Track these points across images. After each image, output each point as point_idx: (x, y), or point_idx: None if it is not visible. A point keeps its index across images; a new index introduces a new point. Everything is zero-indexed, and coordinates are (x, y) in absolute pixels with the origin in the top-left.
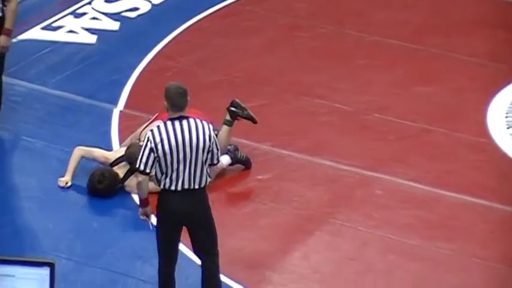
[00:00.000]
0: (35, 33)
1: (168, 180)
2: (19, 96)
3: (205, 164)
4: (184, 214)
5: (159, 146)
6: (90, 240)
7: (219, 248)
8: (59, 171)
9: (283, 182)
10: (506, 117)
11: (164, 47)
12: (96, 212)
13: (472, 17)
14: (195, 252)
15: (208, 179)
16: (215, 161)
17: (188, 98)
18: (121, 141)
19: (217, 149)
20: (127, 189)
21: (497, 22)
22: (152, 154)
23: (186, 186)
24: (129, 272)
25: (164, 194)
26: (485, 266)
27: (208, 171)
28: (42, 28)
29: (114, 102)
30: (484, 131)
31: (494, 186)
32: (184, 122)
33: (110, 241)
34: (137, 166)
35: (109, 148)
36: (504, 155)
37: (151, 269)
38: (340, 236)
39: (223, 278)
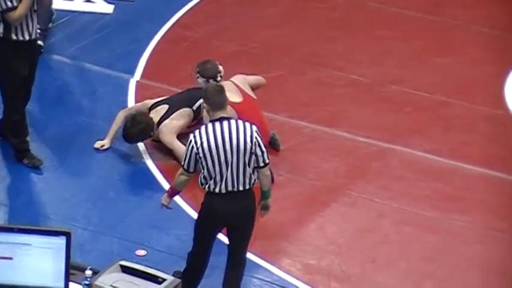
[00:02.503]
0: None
1: (212, 182)
2: None
3: (249, 165)
4: (226, 216)
5: (200, 149)
6: (107, 210)
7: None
8: (75, 140)
9: (300, 153)
10: None
11: (181, 17)
12: (112, 182)
13: None
14: (228, 248)
15: (254, 180)
16: (261, 164)
17: (226, 96)
18: None
19: (262, 151)
20: (160, 136)
21: None
22: (196, 156)
23: (230, 189)
24: (144, 241)
25: (208, 196)
26: (501, 237)
27: (257, 174)
28: None
29: (131, 72)
30: (501, 103)
31: (511, 158)
32: (225, 124)
33: (126, 211)
34: (182, 164)
35: None
36: None
37: (166, 239)
38: (356, 208)
39: None
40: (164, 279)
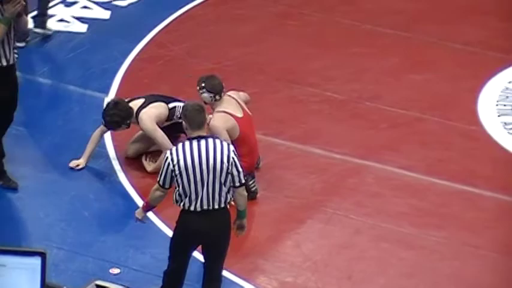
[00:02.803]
0: None
1: (187, 200)
2: None
3: (224, 185)
4: (201, 234)
5: (177, 167)
6: (82, 229)
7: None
8: (50, 160)
9: (275, 171)
10: (497, 105)
11: (155, 35)
12: (87, 201)
13: (464, 5)
14: (203, 265)
15: (230, 199)
16: (237, 184)
17: (206, 115)
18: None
19: (239, 171)
20: (141, 124)
21: (489, 10)
22: (172, 173)
23: (205, 207)
24: (120, 260)
25: (183, 214)
26: (478, 253)
27: (232, 194)
28: (33, 17)
29: (106, 91)
30: (475, 119)
31: (486, 174)
32: (203, 142)
33: (101, 230)
34: (158, 180)
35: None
36: (495, 143)
37: (142, 258)
38: (332, 224)
39: None
40: None
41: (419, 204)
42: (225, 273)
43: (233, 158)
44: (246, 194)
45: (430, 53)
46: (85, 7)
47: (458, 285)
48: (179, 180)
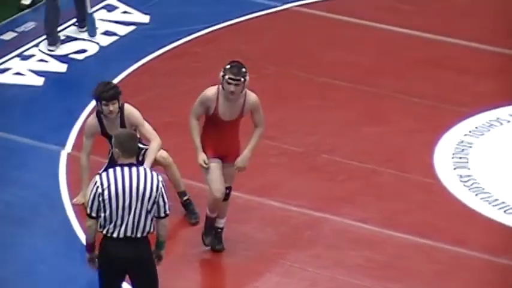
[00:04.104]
0: None
1: (111, 226)
2: None
3: (150, 213)
4: (125, 261)
5: (106, 192)
6: (39, 284)
7: None
8: (6, 214)
9: (232, 224)
10: (453, 157)
11: None
12: (44, 255)
13: (418, 58)
14: None
15: (152, 228)
16: (162, 214)
17: (138, 144)
18: (69, 184)
19: (165, 202)
20: (132, 117)
21: (443, 63)
22: (98, 198)
23: (128, 234)
24: None
25: (106, 240)
26: None
27: (156, 224)
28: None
29: (62, 144)
30: (431, 172)
31: (442, 226)
32: (134, 169)
33: (59, 284)
34: (86, 211)
35: (56, 191)
36: (451, 196)
37: None
38: (289, 277)
39: None
40: None
41: (376, 257)
42: None
43: (161, 188)
44: (168, 225)
45: (385, 106)
46: (41, 60)
47: None
48: (107, 205)
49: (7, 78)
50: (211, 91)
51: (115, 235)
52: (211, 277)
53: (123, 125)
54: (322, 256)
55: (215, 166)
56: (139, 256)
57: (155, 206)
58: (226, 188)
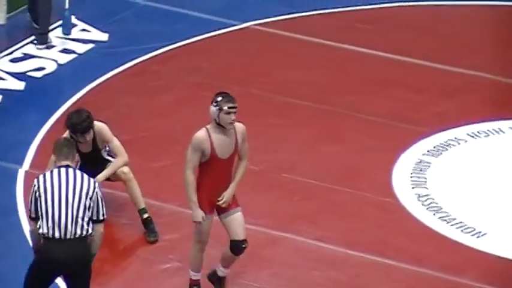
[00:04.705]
0: None
1: (50, 226)
2: None
3: (88, 211)
4: (58, 263)
5: (42, 190)
6: None
7: None
8: None
9: (190, 243)
10: (411, 177)
11: (71, 106)
12: (1, 272)
13: (375, 77)
14: None
15: (89, 231)
16: (100, 217)
17: (73, 149)
18: (26, 202)
19: (102, 205)
20: (102, 134)
21: (400, 82)
22: (35, 196)
23: (67, 235)
24: None
25: (44, 241)
26: None
27: (93, 228)
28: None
29: (20, 162)
30: (389, 191)
31: (399, 245)
32: (70, 170)
33: None
34: (28, 214)
35: (14, 209)
36: (409, 214)
37: None
38: None
39: None
40: None
41: (335, 276)
42: None
43: (97, 192)
44: (103, 232)
45: (344, 125)
46: None
47: None
48: (43, 205)
49: None
50: (201, 134)
51: (50, 235)
52: None
53: (94, 141)
54: (281, 275)
55: (209, 223)
56: (74, 259)
57: (93, 204)
58: (242, 242)
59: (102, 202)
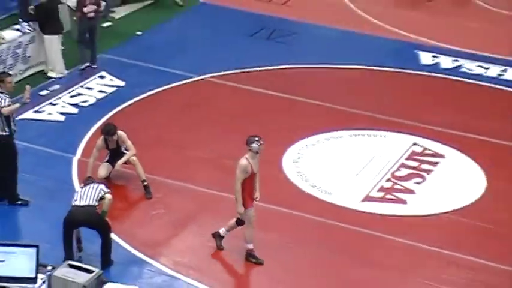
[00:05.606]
0: None
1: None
2: None
3: (96, 198)
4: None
5: (79, 188)
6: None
7: None
8: None
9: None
10: (294, 161)
11: (103, 122)
12: None
13: (280, 109)
14: None
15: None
16: (106, 190)
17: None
18: (79, 179)
19: (105, 188)
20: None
21: (295, 112)
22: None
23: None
24: None
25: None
26: None
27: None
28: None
29: (75, 153)
30: (280, 169)
31: (285, 198)
32: (91, 183)
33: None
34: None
35: (71, 183)
36: (291, 182)
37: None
38: None
39: None
40: (93, 271)
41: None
42: None
43: (102, 189)
44: (110, 197)
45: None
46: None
47: None
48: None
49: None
50: (244, 161)
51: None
52: None
53: (117, 142)
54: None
55: (253, 211)
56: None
57: (100, 192)
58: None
59: (105, 187)
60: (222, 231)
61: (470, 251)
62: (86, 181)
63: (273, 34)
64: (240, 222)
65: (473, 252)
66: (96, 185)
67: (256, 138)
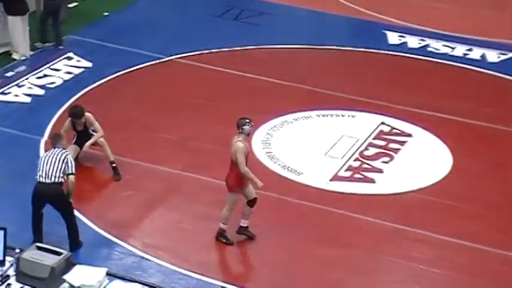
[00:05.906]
0: None
1: (39, 175)
2: None
3: (60, 171)
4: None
5: (42, 157)
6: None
7: None
8: None
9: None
10: (262, 142)
11: (71, 103)
12: None
13: (263, 91)
14: None
15: (62, 180)
16: (70, 171)
17: (62, 138)
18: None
19: (70, 166)
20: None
21: (263, 93)
22: (39, 160)
23: (48, 180)
24: None
25: (37, 183)
26: None
27: (67, 177)
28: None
29: (42, 135)
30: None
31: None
32: (57, 150)
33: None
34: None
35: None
36: (261, 163)
37: None
38: None
39: None
40: (62, 253)
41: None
42: None
43: (68, 159)
44: (73, 180)
45: (223, 121)
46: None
47: None
48: (40, 164)
49: None
50: (241, 144)
51: (44, 181)
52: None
53: (85, 123)
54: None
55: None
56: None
57: (65, 165)
58: (256, 198)
59: (71, 164)
60: (242, 223)
61: (435, 228)
62: (52, 140)
63: (241, 14)
64: (250, 202)
65: (439, 229)
66: (61, 153)
67: (247, 120)
